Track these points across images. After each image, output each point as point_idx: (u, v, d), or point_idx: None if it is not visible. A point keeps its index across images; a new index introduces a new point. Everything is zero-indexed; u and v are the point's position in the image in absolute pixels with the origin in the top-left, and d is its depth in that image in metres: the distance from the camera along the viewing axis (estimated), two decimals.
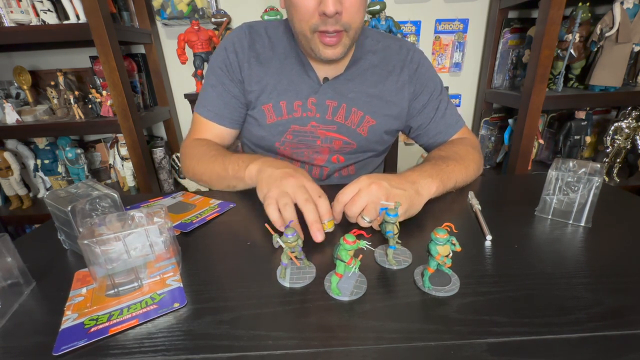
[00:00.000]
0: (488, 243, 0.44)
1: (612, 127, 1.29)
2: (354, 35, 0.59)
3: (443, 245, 0.34)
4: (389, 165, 1.05)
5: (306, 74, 0.67)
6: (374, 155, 0.76)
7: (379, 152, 0.77)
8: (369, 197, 0.45)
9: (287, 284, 0.37)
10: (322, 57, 0.59)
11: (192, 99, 1.27)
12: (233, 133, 0.73)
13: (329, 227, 0.44)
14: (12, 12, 1.12)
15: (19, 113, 1.27)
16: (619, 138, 1.29)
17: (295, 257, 0.37)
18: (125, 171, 1.39)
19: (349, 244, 0.33)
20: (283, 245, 0.36)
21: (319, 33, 0.56)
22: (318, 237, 0.42)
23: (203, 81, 0.72)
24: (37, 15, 1.14)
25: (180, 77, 1.51)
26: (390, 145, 0.80)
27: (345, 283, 0.36)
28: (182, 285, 0.37)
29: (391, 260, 0.40)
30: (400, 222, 0.40)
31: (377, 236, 0.45)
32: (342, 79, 0.67)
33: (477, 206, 0.52)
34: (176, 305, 0.34)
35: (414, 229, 0.48)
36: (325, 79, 0.67)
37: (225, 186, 0.62)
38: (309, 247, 0.43)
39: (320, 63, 0.65)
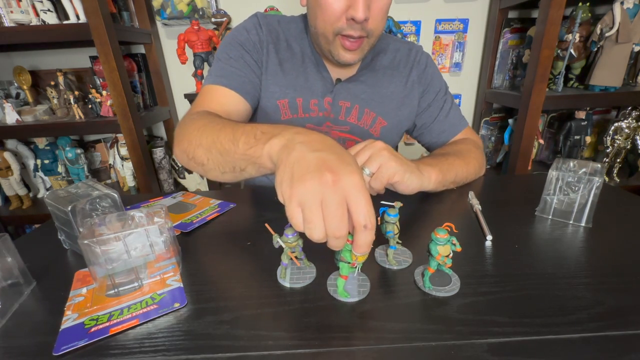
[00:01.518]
0: (488, 243, 0.44)
1: (612, 127, 1.29)
2: (374, 42, 0.60)
3: (443, 245, 0.34)
4: None
5: (320, 74, 0.67)
6: None
7: None
8: (373, 150, 0.47)
9: (287, 284, 0.37)
10: (341, 60, 0.59)
11: (192, 99, 1.27)
12: (247, 110, 0.63)
13: (359, 261, 0.32)
14: (12, 12, 1.12)
15: (19, 113, 1.27)
16: (619, 138, 1.29)
17: (296, 257, 0.37)
18: (125, 171, 1.38)
19: (351, 244, 0.32)
20: (283, 246, 0.36)
21: (341, 36, 0.56)
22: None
23: (215, 57, 0.65)
24: (37, 15, 1.13)
25: (180, 77, 1.51)
26: (395, 147, 0.81)
27: (348, 284, 0.36)
28: (182, 285, 0.37)
29: (391, 260, 0.40)
30: (400, 222, 0.40)
31: (377, 236, 0.45)
32: (355, 81, 0.67)
33: (477, 206, 0.52)
34: (176, 305, 0.34)
35: (414, 229, 0.48)
36: (338, 80, 0.67)
37: (228, 168, 0.43)
38: (309, 247, 0.42)
39: (334, 65, 0.66)
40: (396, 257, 0.41)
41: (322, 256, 0.41)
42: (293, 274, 0.38)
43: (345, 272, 0.34)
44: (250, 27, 0.65)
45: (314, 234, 0.28)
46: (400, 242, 0.41)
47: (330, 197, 0.27)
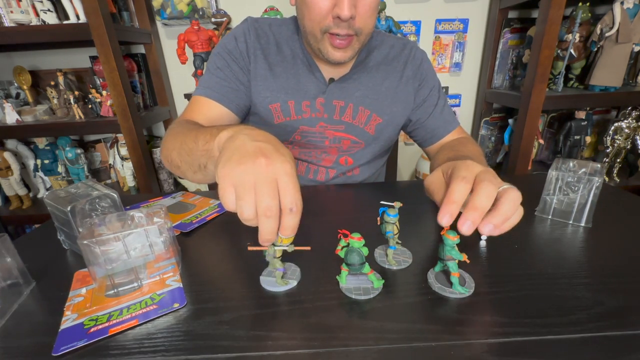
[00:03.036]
0: (483, 243, 0.44)
1: (612, 127, 1.29)
2: (364, 40, 0.59)
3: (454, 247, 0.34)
4: (389, 165, 1.05)
5: (313, 75, 0.66)
6: (379, 155, 0.77)
7: (383, 152, 0.78)
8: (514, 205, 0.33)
9: (283, 288, 0.36)
10: (330, 59, 0.59)
11: None
12: (234, 119, 0.67)
13: (284, 243, 0.34)
14: (12, 12, 1.12)
15: (19, 113, 1.27)
16: (619, 138, 1.29)
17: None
18: (125, 171, 1.38)
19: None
20: (275, 249, 0.35)
21: (329, 35, 0.56)
22: (265, 243, 0.32)
23: (206, 66, 0.67)
24: (37, 15, 1.13)
25: (180, 77, 1.51)
26: (392, 145, 0.81)
27: (355, 281, 0.36)
28: (181, 286, 0.37)
29: (391, 260, 0.40)
30: (399, 223, 0.40)
31: (377, 236, 0.45)
32: (349, 79, 0.67)
33: None
34: (176, 305, 0.34)
35: (414, 229, 0.48)
36: (331, 80, 0.67)
37: (195, 167, 0.45)
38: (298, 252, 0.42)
39: (327, 64, 0.65)
40: (396, 257, 0.41)
41: (307, 260, 0.41)
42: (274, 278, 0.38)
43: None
44: (239, 34, 0.66)
45: (244, 211, 0.30)
46: (399, 242, 0.41)
47: (262, 178, 0.30)
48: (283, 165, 0.31)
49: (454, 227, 0.33)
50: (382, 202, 0.42)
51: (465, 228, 0.32)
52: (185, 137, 0.47)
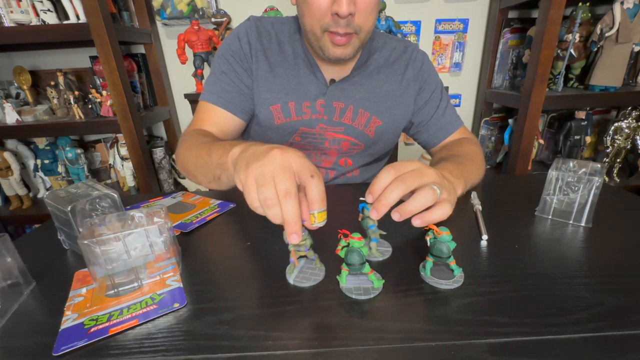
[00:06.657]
0: (484, 243, 0.44)
1: (612, 127, 1.29)
2: (364, 38, 0.59)
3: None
4: None
5: (314, 76, 0.66)
6: (379, 158, 0.77)
7: (383, 155, 0.78)
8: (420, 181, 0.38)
9: (291, 281, 0.37)
10: (331, 56, 0.59)
11: (192, 99, 1.27)
12: (241, 124, 0.68)
13: (319, 221, 0.33)
14: (12, 12, 1.12)
15: (19, 113, 1.27)
16: (619, 138, 1.29)
17: (304, 256, 0.37)
18: (125, 171, 1.39)
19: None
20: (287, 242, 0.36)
21: (329, 32, 0.56)
22: (293, 239, 0.32)
23: (211, 67, 0.68)
24: (37, 15, 1.14)
25: (180, 77, 1.51)
26: (392, 148, 0.80)
27: (356, 281, 0.36)
28: (182, 286, 0.37)
29: (375, 252, 0.41)
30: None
31: (359, 231, 0.45)
32: (349, 81, 0.67)
33: (477, 206, 0.52)
34: (176, 305, 0.34)
35: (393, 222, 0.48)
36: (332, 81, 0.67)
37: (210, 178, 0.51)
38: (323, 248, 0.41)
39: (328, 64, 0.65)
40: (378, 248, 0.42)
41: (335, 257, 0.41)
42: (302, 273, 0.38)
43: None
44: (242, 34, 0.66)
45: (266, 197, 0.32)
46: (384, 233, 0.42)
47: (278, 166, 0.32)
48: (295, 152, 0.34)
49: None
50: (361, 198, 0.42)
51: (373, 215, 0.37)
52: (199, 151, 0.52)
